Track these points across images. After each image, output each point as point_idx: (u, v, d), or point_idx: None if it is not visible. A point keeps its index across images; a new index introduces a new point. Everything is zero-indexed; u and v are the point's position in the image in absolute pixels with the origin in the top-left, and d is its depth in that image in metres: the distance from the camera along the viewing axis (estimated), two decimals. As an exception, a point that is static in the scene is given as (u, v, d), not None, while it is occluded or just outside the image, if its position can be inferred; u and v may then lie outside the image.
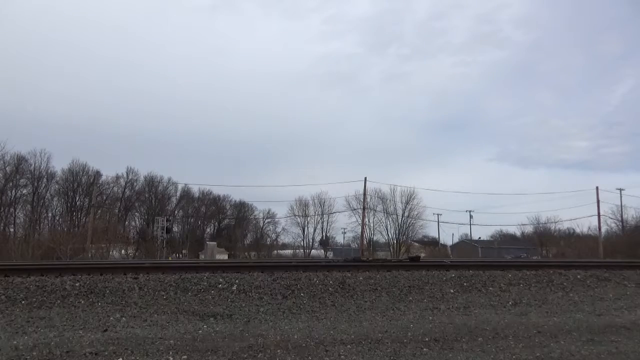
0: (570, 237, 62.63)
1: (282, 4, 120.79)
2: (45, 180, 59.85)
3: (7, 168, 55.71)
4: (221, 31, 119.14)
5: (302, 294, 8.95)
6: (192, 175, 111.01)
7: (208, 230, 76.96)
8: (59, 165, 77.23)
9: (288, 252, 70.46)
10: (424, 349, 5.97)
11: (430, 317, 7.94)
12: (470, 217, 69.28)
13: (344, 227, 71.89)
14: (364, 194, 51.06)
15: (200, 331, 6.61)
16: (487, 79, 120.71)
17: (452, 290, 9.85)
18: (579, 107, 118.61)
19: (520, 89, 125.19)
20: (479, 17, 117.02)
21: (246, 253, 66.80)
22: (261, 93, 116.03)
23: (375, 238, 65.13)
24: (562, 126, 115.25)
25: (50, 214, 61.21)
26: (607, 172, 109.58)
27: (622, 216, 55.20)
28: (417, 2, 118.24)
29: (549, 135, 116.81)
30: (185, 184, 72.64)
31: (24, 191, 58.37)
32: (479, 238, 73.88)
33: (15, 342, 5.81)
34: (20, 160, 56.72)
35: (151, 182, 69.54)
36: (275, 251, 70.39)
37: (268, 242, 74.41)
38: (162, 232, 45.34)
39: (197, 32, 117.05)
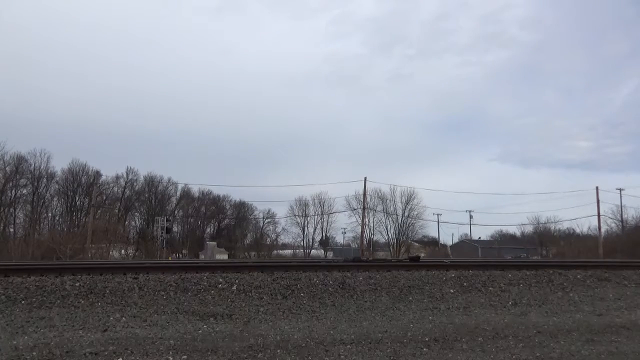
0: (570, 237, 62.77)
1: (288, 5, 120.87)
2: (45, 180, 59.88)
3: (7, 168, 55.77)
4: (225, 32, 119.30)
5: (302, 294, 8.94)
6: (192, 175, 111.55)
7: (208, 230, 76.99)
8: (59, 165, 77.44)
9: (288, 252, 70.54)
10: (424, 349, 5.97)
11: (430, 317, 7.94)
12: (470, 217, 69.45)
13: (344, 227, 72.16)
14: (364, 194, 51.14)
15: (200, 331, 6.61)
16: (491, 79, 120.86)
17: (452, 290, 9.85)
18: (582, 108, 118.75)
19: (524, 89, 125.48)
20: (484, 17, 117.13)
21: (246, 253, 66.85)
22: (263, 93, 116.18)
23: (375, 238, 65.31)
24: (565, 126, 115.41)
25: (50, 214, 61.30)
26: (609, 172, 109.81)
27: (622, 216, 55.38)
28: (423, 2, 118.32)
29: (552, 136, 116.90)
30: (185, 184, 72.60)
31: (24, 191, 58.43)
32: (479, 238, 73.99)
33: (15, 342, 5.81)
34: (20, 160, 56.78)
35: (151, 182, 69.54)
36: (275, 251, 70.43)
37: (268, 242, 74.43)
38: (162, 232, 45.37)
39: (200, 32, 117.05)
